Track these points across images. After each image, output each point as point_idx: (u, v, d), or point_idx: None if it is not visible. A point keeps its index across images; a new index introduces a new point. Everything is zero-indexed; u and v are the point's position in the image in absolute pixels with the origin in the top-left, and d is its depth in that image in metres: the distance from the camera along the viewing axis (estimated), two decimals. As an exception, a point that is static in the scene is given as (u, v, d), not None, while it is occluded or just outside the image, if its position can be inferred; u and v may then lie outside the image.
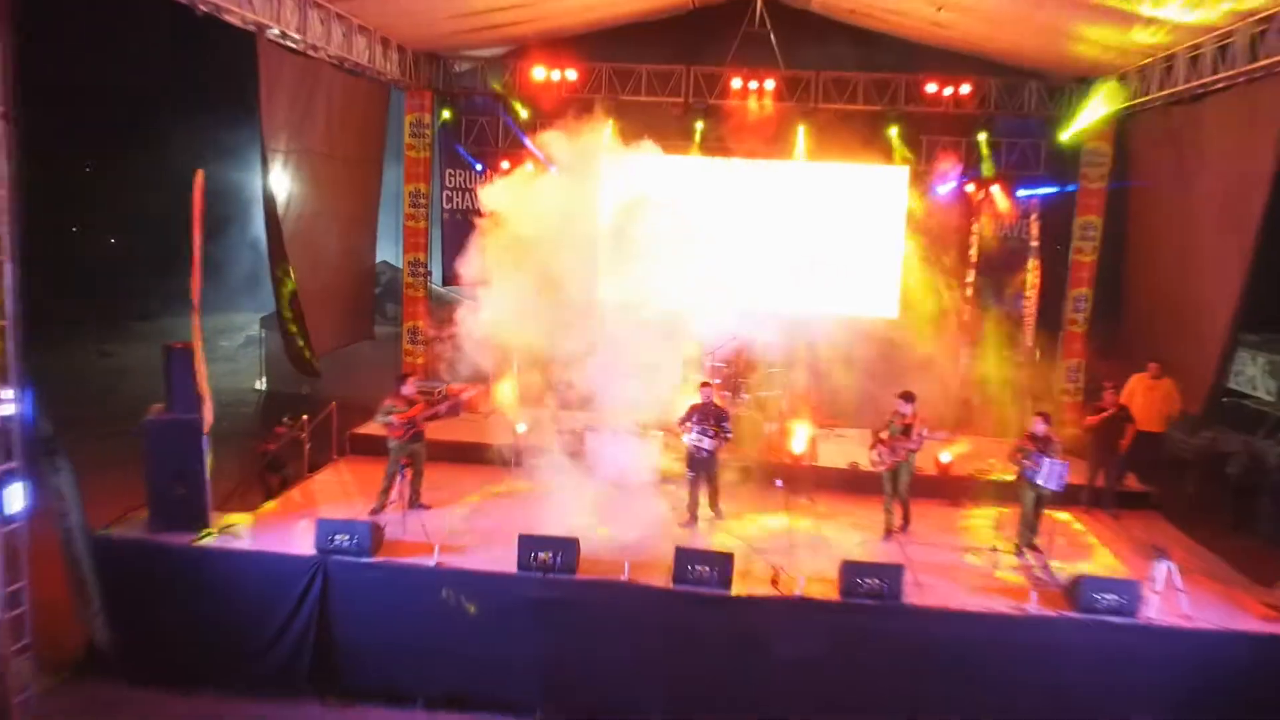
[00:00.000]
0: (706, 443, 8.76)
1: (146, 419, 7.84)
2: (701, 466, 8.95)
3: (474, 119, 13.91)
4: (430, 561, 7.64)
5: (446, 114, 13.64)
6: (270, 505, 9.05)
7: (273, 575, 7.65)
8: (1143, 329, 12.26)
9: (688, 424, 8.85)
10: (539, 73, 12.97)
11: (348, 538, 7.54)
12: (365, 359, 14.47)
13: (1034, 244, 12.81)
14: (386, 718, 7.42)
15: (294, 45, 10.11)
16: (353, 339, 13.71)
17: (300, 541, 7.82)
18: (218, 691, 7.50)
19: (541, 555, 7.36)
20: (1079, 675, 7.09)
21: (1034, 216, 12.80)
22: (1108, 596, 7.09)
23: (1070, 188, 12.72)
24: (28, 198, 6.35)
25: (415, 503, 8.94)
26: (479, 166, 13.70)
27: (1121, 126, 12.50)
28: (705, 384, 9.20)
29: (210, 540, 7.86)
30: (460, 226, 13.87)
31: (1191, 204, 10.99)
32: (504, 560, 7.55)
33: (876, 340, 12.20)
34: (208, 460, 7.98)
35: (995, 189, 13.15)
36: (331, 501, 9.10)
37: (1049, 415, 8.59)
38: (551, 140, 10.99)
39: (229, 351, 21.78)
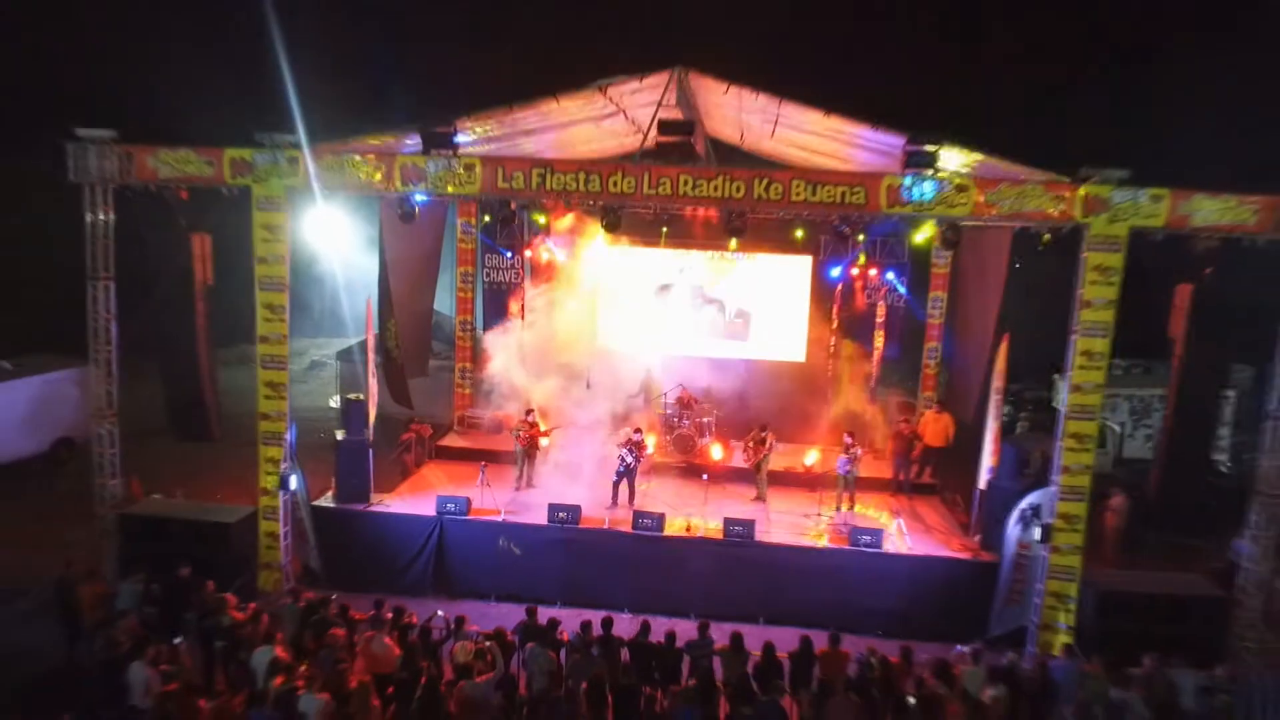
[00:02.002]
0: (628, 458, 15.33)
1: (338, 440, 14.76)
2: (625, 473, 15.47)
3: (505, 221, 20.77)
4: (499, 518, 14.55)
5: (486, 218, 20.49)
6: (402, 488, 16.01)
7: (410, 527, 14.51)
8: (957, 371, 19.23)
9: (621, 448, 15.45)
10: (551, 190, 19.76)
11: (453, 505, 14.43)
12: (416, 387, 21.18)
13: (879, 320, 19.74)
14: (475, 606, 13.96)
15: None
16: (415, 374, 20.56)
17: (425, 508, 14.69)
18: (380, 592, 14.00)
19: (560, 514, 14.25)
20: (851, 581, 13.81)
21: (881, 303, 19.71)
22: (865, 537, 13.95)
23: (910, 297, 19.83)
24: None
25: (529, 483, 16.02)
26: (509, 254, 20.64)
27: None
28: (637, 429, 15.92)
29: (374, 507, 14.84)
30: (496, 294, 20.87)
31: (980, 290, 17.92)
32: (538, 517, 14.43)
33: (786, 377, 19.28)
34: (370, 462, 14.94)
35: (872, 272, 20.03)
36: (434, 486, 15.94)
37: (854, 432, 15.60)
38: (558, 238, 18.07)
39: (298, 374, 28.46)
